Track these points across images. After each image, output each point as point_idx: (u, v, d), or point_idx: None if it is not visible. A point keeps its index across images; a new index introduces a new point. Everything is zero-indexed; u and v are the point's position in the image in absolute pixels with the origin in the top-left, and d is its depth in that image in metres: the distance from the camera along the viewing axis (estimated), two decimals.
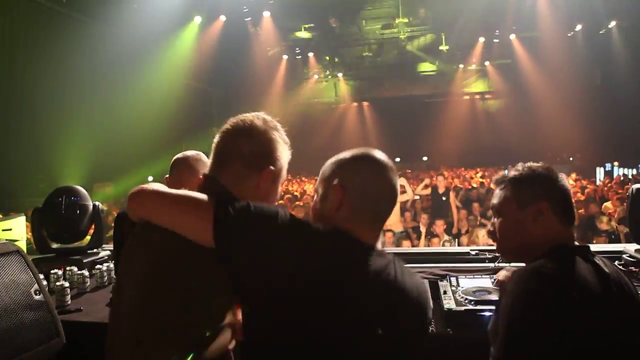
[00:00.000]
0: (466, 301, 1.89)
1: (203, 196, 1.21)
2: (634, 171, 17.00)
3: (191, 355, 0.94)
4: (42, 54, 11.36)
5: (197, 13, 13.67)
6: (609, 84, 15.65)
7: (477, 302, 1.86)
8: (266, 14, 14.22)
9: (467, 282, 2.10)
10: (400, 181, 8.82)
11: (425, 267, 2.51)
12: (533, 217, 1.45)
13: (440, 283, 2.14)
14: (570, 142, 19.42)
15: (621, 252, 2.59)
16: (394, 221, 8.15)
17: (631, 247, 2.55)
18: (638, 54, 13.66)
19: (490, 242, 5.49)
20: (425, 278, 2.24)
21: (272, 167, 1.34)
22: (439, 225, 7.54)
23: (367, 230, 1.25)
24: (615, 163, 18.49)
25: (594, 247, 3.27)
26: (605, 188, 12.14)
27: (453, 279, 2.14)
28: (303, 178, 19.79)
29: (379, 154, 1.35)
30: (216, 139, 1.38)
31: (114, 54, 12.22)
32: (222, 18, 14.27)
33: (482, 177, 17.21)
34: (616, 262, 2.57)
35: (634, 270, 2.44)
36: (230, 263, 1.13)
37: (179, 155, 2.28)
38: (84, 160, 12.01)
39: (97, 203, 3.23)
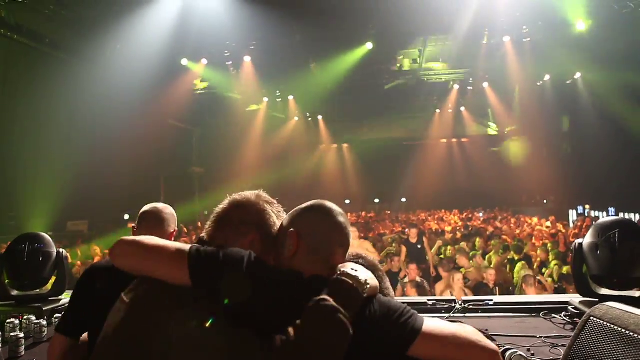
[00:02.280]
0: None
1: (178, 244, 1.38)
2: (605, 214, 17.48)
3: (210, 320, 1.03)
4: (22, 92, 11.43)
5: (179, 54, 13.92)
6: (577, 130, 16.29)
7: None
8: (247, 59, 14.59)
9: None
10: (365, 245, 8.72)
11: None
12: None
13: None
14: (544, 186, 19.96)
15: (567, 304, 2.70)
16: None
17: (576, 299, 2.67)
18: (601, 102, 14.34)
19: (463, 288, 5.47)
20: None
21: (256, 235, 1.48)
22: (412, 270, 7.57)
23: (321, 271, 1.35)
24: (587, 206, 19.01)
25: (542, 297, 3.38)
26: (576, 231, 12.47)
27: None
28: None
29: (329, 204, 1.48)
30: (217, 209, 1.55)
31: (95, 93, 12.32)
32: (204, 61, 14.59)
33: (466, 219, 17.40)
34: (562, 314, 2.68)
35: (578, 321, 2.53)
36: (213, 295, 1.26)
37: (148, 207, 2.32)
38: (59, 198, 11.86)
39: (61, 250, 3.24)
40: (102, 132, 12.62)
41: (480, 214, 19.13)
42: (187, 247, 1.34)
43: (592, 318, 1.55)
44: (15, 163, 10.92)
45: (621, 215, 16.35)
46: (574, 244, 2.68)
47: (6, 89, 11.11)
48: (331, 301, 1.20)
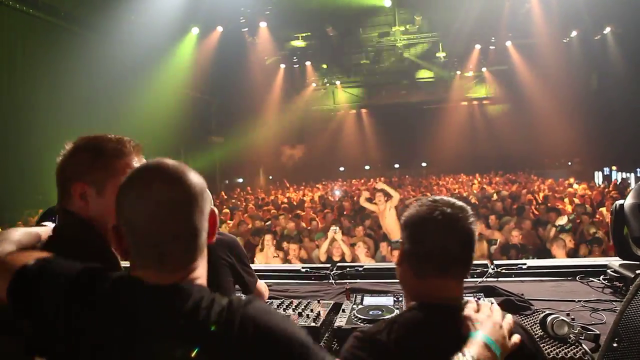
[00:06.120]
0: (357, 320, 1.97)
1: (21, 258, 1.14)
2: (632, 175, 17.04)
3: (196, 350, 0.94)
4: (40, 66, 11.45)
5: (194, 24, 13.77)
6: (605, 89, 15.71)
7: (366, 321, 1.94)
8: (262, 25, 14.33)
9: None
10: (380, 185, 8.65)
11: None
12: (398, 260, 1.35)
13: None
14: (569, 147, 19.47)
15: (605, 267, 2.62)
16: (392, 229, 8.04)
17: (616, 262, 2.58)
18: (633, 58, 13.72)
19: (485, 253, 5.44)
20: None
21: (77, 183, 1.36)
22: None
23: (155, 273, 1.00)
24: (614, 167, 18.55)
25: (578, 261, 3.30)
26: (605, 191, 12.17)
27: None
28: (302, 186, 19.82)
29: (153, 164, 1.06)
30: None
31: (112, 66, 12.30)
32: (219, 29, 14.38)
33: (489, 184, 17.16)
34: (601, 277, 2.61)
35: (619, 285, 2.47)
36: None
37: None
38: None
39: None
40: (121, 105, 12.67)
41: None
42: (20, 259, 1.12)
43: None
44: (38, 137, 11.05)
45: None
46: (614, 205, 2.57)
47: (25, 63, 11.17)
48: None
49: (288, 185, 19.66)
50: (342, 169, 24.62)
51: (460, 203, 1.31)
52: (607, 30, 15.35)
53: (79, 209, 1.35)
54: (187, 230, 1.01)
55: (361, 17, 14.97)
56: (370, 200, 8.61)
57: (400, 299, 2.18)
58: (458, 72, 22.00)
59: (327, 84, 24.02)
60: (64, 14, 11.87)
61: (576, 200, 9.82)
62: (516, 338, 1.21)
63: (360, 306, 2.13)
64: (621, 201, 2.55)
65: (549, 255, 5.52)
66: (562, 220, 7.57)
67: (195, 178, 1.05)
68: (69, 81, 11.66)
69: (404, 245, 1.31)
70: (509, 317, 1.26)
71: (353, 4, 13.96)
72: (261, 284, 2.34)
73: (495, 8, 14.27)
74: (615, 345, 1.46)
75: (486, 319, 1.20)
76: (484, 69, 21.64)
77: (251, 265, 2.34)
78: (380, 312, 2.01)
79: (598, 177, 18.93)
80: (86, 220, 1.35)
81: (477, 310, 1.24)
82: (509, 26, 15.84)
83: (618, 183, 14.63)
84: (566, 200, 10.37)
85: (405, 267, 1.31)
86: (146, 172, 1.04)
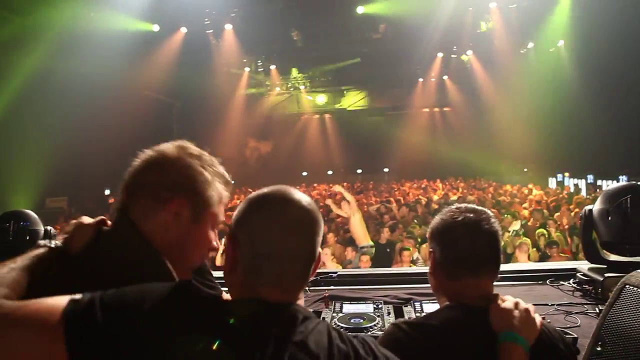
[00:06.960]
0: (338, 328, 1.94)
1: (50, 306, 0.90)
2: (584, 181, 17.86)
3: (217, 342, 0.91)
4: None
5: (157, 23, 13.43)
6: (558, 98, 16.41)
7: (348, 330, 1.92)
8: (228, 27, 14.15)
9: (432, 307, 2.11)
10: (337, 188, 8.71)
11: (389, 289, 2.53)
12: (431, 268, 1.46)
13: (404, 309, 2.14)
14: (524, 154, 20.21)
15: (574, 270, 2.68)
16: (358, 234, 8.03)
17: (584, 266, 2.65)
18: (583, 70, 14.41)
19: None
20: (389, 302, 2.24)
21: (182, 199, 1.15)
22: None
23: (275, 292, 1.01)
24: (566, 174, 19.38)
25: (548, 265, 3.36)
26: (560, 196, 12.70)
27: (417, 304, 2.15)
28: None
29: (286, 191, 1.10)
30: (127, 171, 1.23)
31: (69, 64, 11.82)
32: (183, 30, 14.10)
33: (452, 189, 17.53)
34: (571, 281, 2.66)
35: (588, 288, 2.53)
36: None
37: None
38: (36, 174, 11.50)
39: (49, 228, 3.07)
40: (78, 106, 12.17)
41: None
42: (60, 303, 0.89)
43: (627, 286, 1.49)
44: None
45: (599, 182, 16.73)
46: (583, 210, 2.65)
47: None
48: None
49: (251, 191, 19.44)
50: (304, 173, 24.60)
51: (480, 207, 1.43)
52: (561, 43, 16.09)
53: (154, 225, 1.14)
54: (308, 253, 1.05)
55: (327, 22, 15.00)
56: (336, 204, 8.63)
57: (379, 306, 2.15)
58: (420, 80, 22.43)
59: (291, 89, 23.97)
60: (18, 9, 11.30)
61: (532, 206, 10.17)
62: (538, 321, 1.34)
63: (340, 314, 2.08)
64: (590, 206, 2.63)
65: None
66: (516, 226, 7.80)
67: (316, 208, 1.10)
68: (20, 79, 11.12)
69: (435, 253, 1.41)
70: (531, 306, 1.36)
71: (320, 9, 14.00)
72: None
73: (458, 18, 14.66)
74: (599, 349, 1.47)
75: (512, 312, 1.30)
76: (445, 77, 22.16)
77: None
78: (361, 320, 1.97)
79: (552, 183, 19.73)
80: (146, 239, 1.13)
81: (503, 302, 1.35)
82: (470, 36, 16.31)
83: (571, 189, 15.35)
84: (526, 204, 10.74)
85: (439, 273, 1.41)
86: (280, 194, 1.10)
